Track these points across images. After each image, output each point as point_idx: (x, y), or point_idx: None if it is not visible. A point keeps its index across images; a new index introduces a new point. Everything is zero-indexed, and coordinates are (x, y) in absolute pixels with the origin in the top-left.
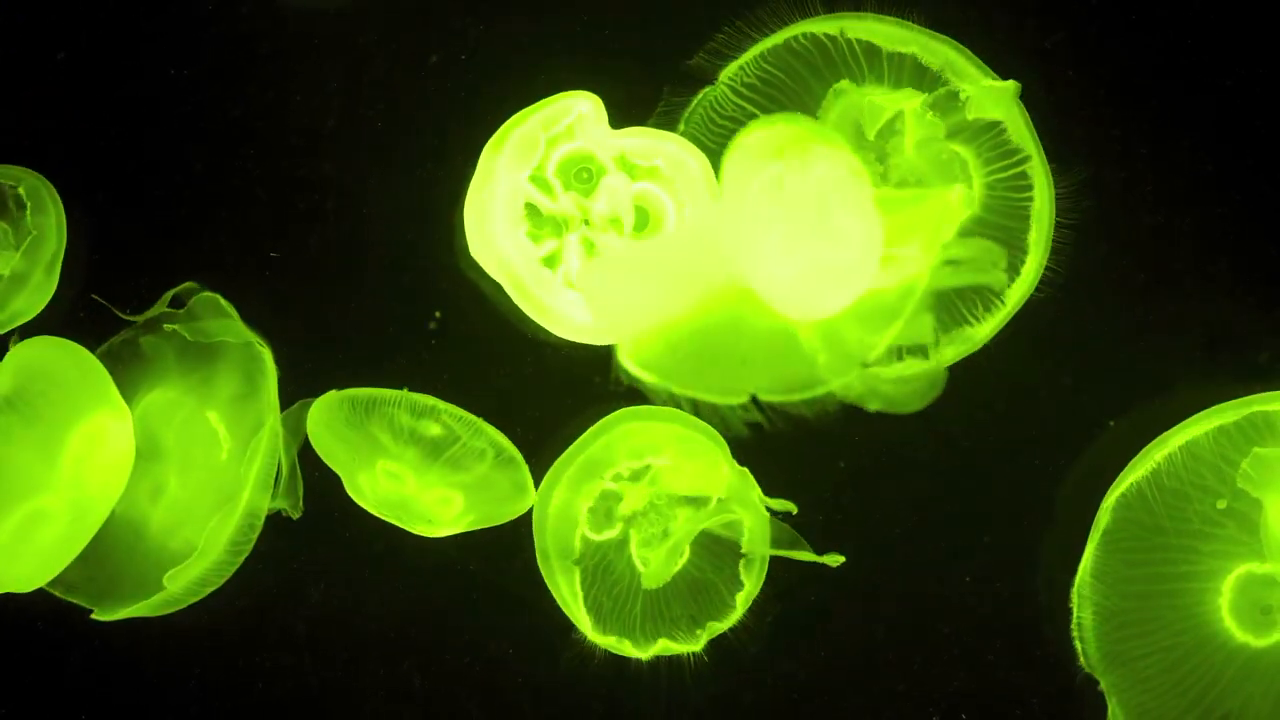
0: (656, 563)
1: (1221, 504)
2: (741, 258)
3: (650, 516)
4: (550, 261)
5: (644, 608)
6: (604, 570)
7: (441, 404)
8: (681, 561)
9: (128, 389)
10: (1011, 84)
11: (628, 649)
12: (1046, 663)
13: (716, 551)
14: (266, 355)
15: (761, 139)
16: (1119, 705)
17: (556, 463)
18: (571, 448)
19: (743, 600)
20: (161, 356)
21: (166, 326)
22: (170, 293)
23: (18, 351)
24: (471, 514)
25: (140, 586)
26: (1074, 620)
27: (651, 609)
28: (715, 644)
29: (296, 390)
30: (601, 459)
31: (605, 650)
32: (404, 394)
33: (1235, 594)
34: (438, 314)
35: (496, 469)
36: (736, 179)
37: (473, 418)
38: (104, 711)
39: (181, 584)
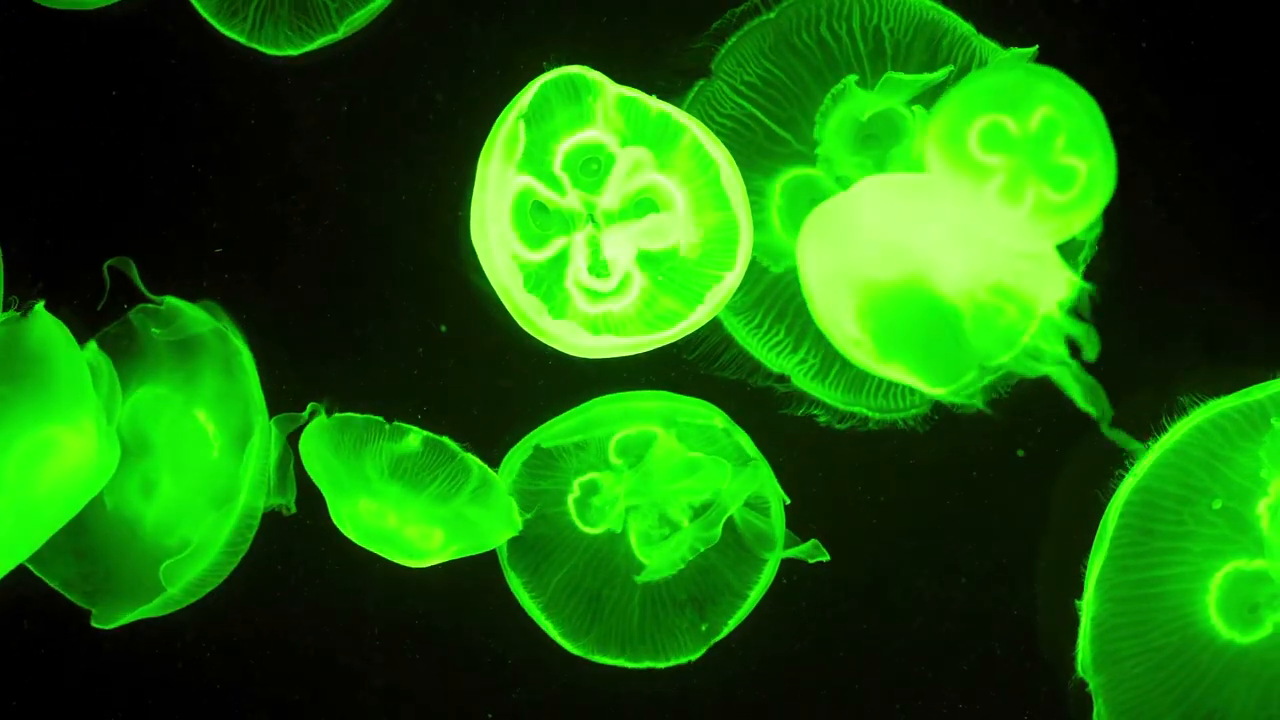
0: (656, 560)
1: (1217, 504)
2: (958, 209)
3: (643, 509)
4: (560, 260)
5: (643, 598)
6: (599, 564)
7: (427, 434)
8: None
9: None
10: (1029, 50)
11: (616, 658)
12: (1038, 663)
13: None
14: (242, 346)
15: (973, 92)
16: (1104, 705)
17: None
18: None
19: (755, 591)
20: (154, 350)
21: (154, 331)
22: (106, 264)
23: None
24: (455, 544)
25: (137, 584)
26: (1080, 629)
27: (653, 598)
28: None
29: (297, 395)
30: (551, 444)
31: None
32: (385, 423)
33: (1223, 592)
34: (444, 328)
35: (479, 500)
36: (950, 133)
37: (456, 448)
38: (100, 712)
39: (180, 585)
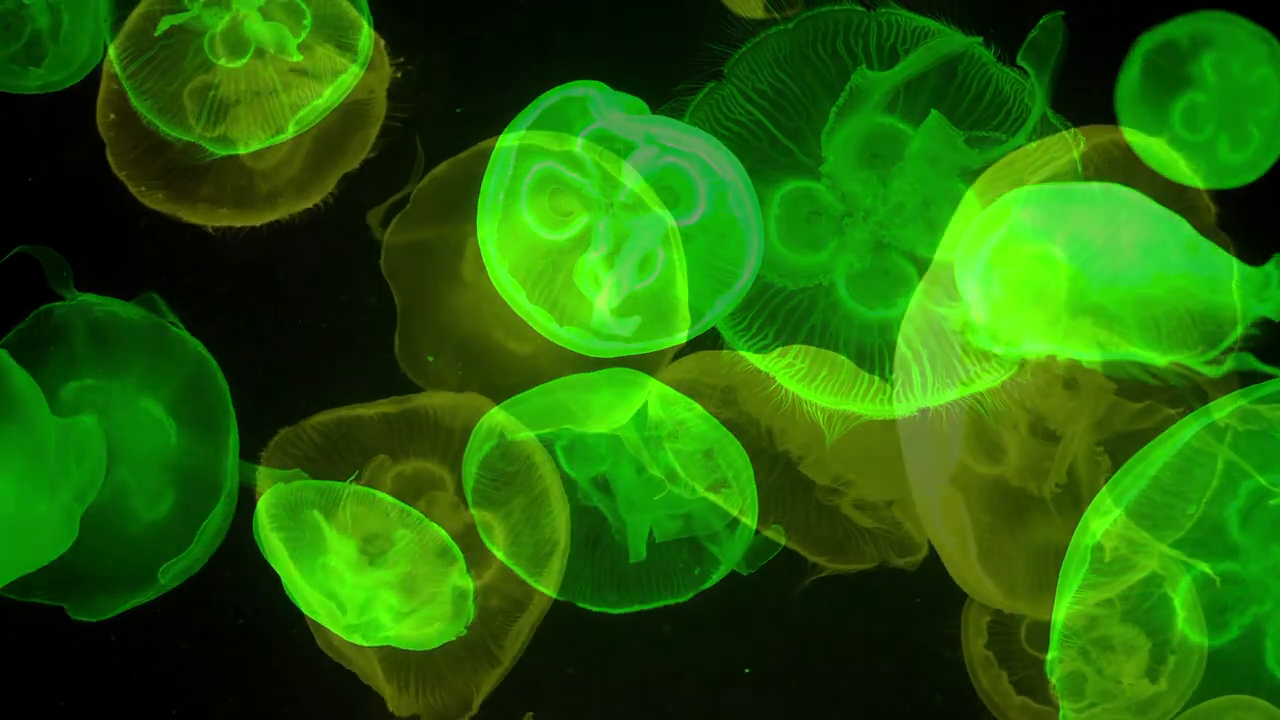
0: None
1: (1192, 509)
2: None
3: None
4: (580, 242)
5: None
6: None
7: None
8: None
9: (44, 379)
10: (1057, 14)
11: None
12: (1016, 662)
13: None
14: (181, 333)
15: (1144, 96)
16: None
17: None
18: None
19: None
20: (74, 344)
21: (59, 310)
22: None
23: None
24: (404, 624)
25: (110, 575)
26: (1051, 632)
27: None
28: (700, 637)
29: (295, 396)
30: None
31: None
32: (349, 485)
33: (1191, 595)
34: (430, 357)
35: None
36: (1159, 144)
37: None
38: (86, 709)
39: (169, 575)
